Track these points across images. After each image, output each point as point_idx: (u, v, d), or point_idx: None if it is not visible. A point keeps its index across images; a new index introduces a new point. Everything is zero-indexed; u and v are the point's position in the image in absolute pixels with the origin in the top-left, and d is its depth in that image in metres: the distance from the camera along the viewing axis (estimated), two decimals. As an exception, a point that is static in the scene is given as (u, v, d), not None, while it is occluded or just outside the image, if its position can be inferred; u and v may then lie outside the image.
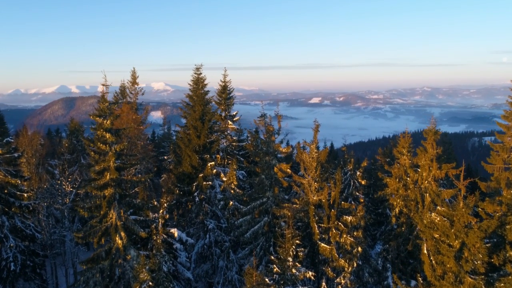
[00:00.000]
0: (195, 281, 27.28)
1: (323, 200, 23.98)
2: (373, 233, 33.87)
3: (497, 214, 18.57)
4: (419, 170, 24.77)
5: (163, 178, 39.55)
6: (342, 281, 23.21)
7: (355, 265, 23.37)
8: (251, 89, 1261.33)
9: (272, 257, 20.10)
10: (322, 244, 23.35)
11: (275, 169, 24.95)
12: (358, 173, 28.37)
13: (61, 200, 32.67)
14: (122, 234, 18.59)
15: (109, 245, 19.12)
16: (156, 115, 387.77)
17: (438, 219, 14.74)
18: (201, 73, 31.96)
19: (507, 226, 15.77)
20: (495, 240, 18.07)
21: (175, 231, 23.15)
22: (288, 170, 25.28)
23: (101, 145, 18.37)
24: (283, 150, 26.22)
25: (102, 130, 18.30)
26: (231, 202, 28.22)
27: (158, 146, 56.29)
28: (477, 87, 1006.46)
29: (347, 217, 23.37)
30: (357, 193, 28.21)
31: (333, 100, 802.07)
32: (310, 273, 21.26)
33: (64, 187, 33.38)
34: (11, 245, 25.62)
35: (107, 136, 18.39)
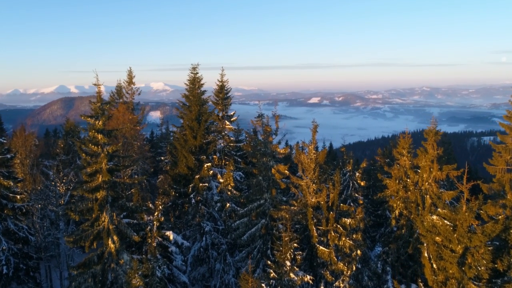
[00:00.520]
0: (191, 285, 26.82)
1: (322, 202, 23.50)
2: (372, 234, 33.43)
3: (500, 216, 18.10)
4: (419, 171, 24.30)
5: (160, 179, 39.06)
6: (341, 284, 22.73)
7: (354, 268, 22.89)
8: (250, 89, 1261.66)
9: (269, 262, 19.63)
10: (321, 247, 22.88)
11: (273, 170, 24.48)
12: (357, 174, 27.91)
13: (55, 201, 32.13)
14: (115, 238, 18.07)
15: (101, 249, 18.61)
16: (155, 115, 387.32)
17: (440, 223, 14.24)
18: (197, 73, 31.48)
19: (511, 231, 15.29)
20: (497, 243, 17.62)
21: (170, 234, 22.68)
22: (286, 171, 24.82)
23: (93, 146, 17.85)
24: (281, 151, 25.75)
25: (93, 131, 17.78)
26: (228, 204, 27.75)
27: (156, 147, 55.82)
28: (476, 87, 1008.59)
29: (346, 219, 22.90)
30: (356, 195, 27.73)
31: (332, 100, 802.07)
32: (308, 277, 20.81)
33: (58, 188, 32.83)
34: (4, 248, 25.13)
35: (99, 137, 17.87)
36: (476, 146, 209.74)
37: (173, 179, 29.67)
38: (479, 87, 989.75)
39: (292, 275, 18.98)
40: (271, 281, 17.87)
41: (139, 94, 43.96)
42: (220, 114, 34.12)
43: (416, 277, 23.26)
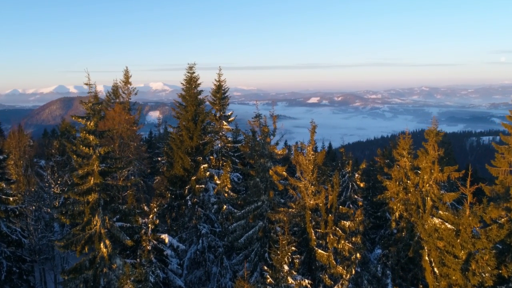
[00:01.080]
0: (187, 288, 26.30)
1: (320, 204, 23.01)
2: (372, 237, 32.89)
3: (503, 219, 17.60)
4: (420, 172, 23.82)
5: (157, 180, 38.51)
6: (340, 288, 22.25)
7: (353, 272, 22.41)
8: (249, 89, 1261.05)
9: (266, 267, 19.11)
10: (319, 250, 22.41)
11: (270, 171, 23.98)
12: (356, 175, 27.42)
13: (49, 203, 31.58)
14: (107, 242, 17.55)
15: (93, 254, 18.07)
16: (154, 115, 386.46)
17: (442, 227, 13.74)
18: (194, 72, 30.94)
19: (516, 235, 14.80)
20: (499, 246, 17.13)
21: (166, 237, 22.13)
22: (284, 172, 24.32)
23: (84, 148, 17.31)
24: (279, 152, 25.22)
25: (84, 132, 17.24)
26: (225, 206, 27.24)
27: (154, 147, 55.24)
28: (475, 86, 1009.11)
29: (345, 222, 22.42)
30: (356, 196, 27.23)
31: (331, 100, 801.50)
32: (307, 281, 20.27)
33: (53, 190, 32.29)
34: (-4, 251, 24.61)
35: (91, 138, 17.33)
36: (475, 146, 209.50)
37: (169, 181, 29.11)
38: (478, 87, 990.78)
39: (290, 279, 18.47)
40: (268, 287, 17.34)
41: (135, 94, 43.36)
42: (218, 114, 33.58)
43: (416, 281, 22.79)
